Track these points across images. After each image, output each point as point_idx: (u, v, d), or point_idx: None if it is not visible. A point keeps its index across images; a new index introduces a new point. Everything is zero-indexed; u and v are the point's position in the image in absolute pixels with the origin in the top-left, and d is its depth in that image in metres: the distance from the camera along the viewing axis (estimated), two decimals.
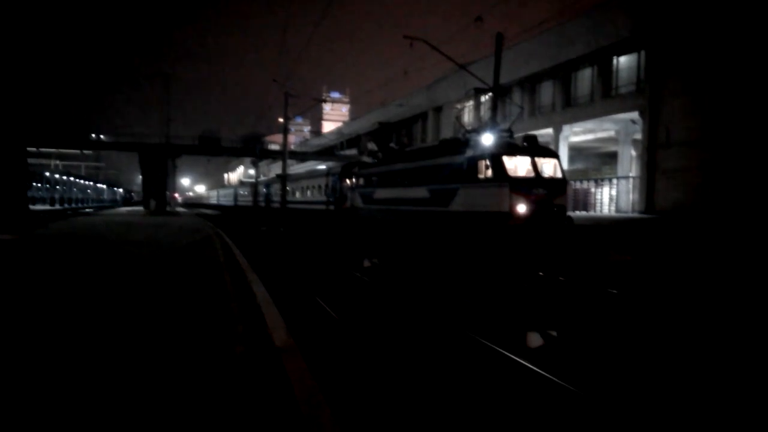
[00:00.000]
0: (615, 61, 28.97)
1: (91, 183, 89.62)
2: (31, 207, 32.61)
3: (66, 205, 63.29)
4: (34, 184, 57.77)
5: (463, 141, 18.19)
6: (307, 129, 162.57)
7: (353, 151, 61.72)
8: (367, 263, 16.31)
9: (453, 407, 4.92)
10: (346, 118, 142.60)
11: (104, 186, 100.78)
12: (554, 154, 16.71)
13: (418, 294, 10.64)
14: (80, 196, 79.68)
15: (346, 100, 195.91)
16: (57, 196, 65.60)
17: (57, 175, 68.27)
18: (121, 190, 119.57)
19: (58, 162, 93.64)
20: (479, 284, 12.07)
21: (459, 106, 42.71)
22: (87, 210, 57.32)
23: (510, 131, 18.15)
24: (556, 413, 4.81)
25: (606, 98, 29.05)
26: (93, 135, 55.71)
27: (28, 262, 10.22)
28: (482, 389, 5.32)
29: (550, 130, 32.51)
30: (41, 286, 7.49)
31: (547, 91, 34.47)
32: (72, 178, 74.95)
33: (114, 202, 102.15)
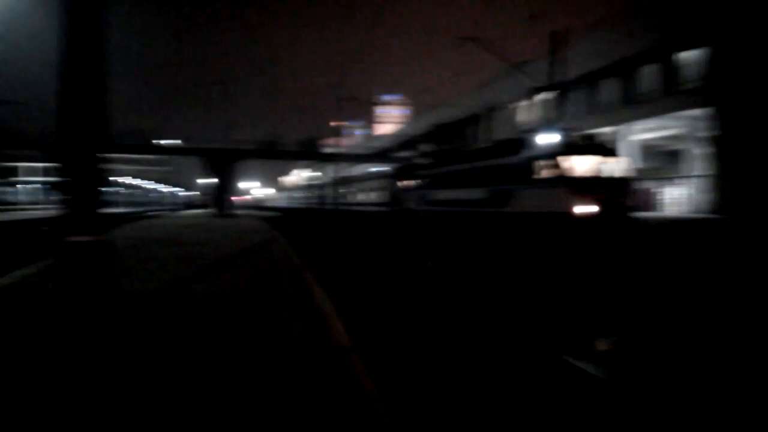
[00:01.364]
0: (679, 56, 27.76)
1: (158, 187, 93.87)
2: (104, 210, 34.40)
3: (134, 209, 66.60)
4: (107, 188, 61.01)
5: (520, 141, 17.99)
6: (361, 132, 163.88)
7: (408, 153, 61.86)
8: (426, 264, 16.35)
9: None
10: (400, 121, 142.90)
11: (169, 189, 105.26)
12: (615, 153, 16.28)
13: (483, 298, 10.59)
14: (148, 199, 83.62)
15: (400, 102, 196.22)
16: (127, 199, 69.15)
17: (127, 180, 71.96)
18: (185, 192, 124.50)
19: (127, 167, 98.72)
20: (542, 287, 11.91)
21: (514, 106, 42.06)
22: (154, 212, 60.10)
23: (568, 130, 17.81)
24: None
25: (670, 95, 27.89)
26: (161, 141, 58.54)
27: (107, 261, 10.87)
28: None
29: (611, 129, 31.52)
30: (122, 285, 7.98)
31: (607, 89, 33.44)
32: (140, 182, 78.79)
33: (177, 205, 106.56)
